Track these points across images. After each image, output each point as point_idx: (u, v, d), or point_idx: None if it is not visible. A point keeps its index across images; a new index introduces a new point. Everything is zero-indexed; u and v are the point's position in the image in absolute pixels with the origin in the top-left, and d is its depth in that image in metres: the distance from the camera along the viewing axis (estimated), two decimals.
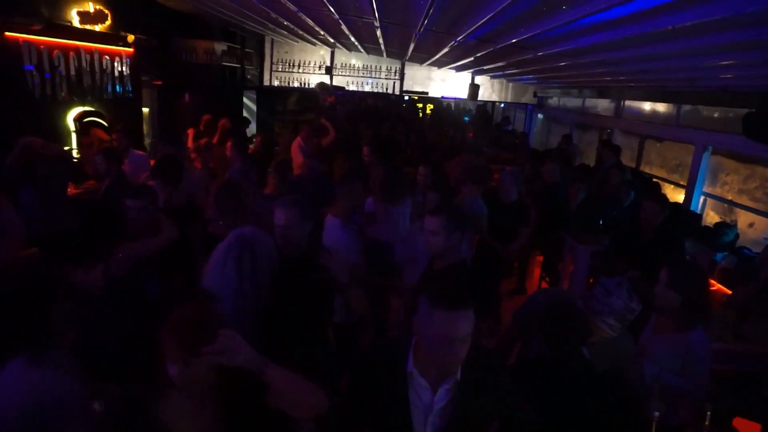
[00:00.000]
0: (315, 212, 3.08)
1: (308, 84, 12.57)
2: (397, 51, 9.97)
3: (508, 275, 6.40)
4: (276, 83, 12.69)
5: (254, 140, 8.61)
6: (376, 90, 12.83)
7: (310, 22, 7.28)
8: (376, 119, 12.50)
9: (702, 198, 6.89)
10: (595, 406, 2.20)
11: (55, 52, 6.29)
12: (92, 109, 7.00)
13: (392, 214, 4.42)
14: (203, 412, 1.64)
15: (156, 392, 1.62)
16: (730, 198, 6.90)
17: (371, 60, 12.49)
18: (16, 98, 5.84)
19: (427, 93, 12.95)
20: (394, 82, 12.76)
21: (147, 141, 8.95)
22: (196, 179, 5.16)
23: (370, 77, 12.70)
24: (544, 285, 6.62)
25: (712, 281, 4.77)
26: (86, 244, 2.68)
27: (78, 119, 6.78)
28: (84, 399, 1.88)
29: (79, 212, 4.57)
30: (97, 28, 7.05)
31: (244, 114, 12.18)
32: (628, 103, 9.30)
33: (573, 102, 12.04)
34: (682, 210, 6.50)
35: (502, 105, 15.67)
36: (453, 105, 17.59)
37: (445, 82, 12.74)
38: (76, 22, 6.77)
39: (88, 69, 6.87)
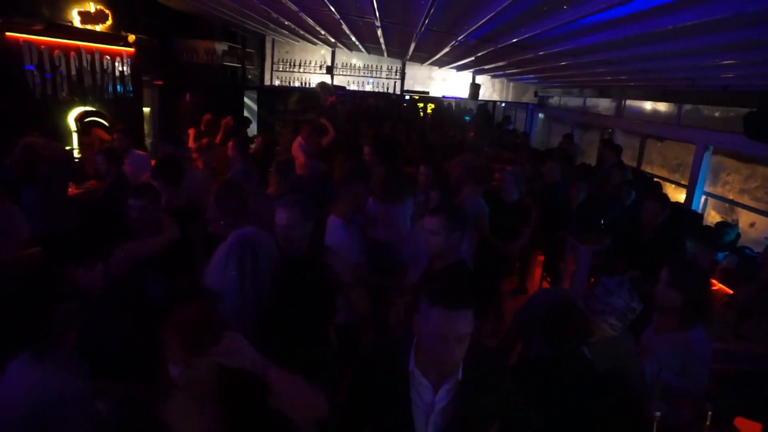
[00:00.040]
0: (316, 212, 3.08)
1: (309, 84, 12.57)
2: (397, 50, 9.98)
3: (509, 275, 6.40)
4: (277, 83, 12.69)
5: (255, 140, 8.61)
6: (377, 90, 12.84)
7: (311, 22, 7.28)
8: (377, 119, 12.50)
9: (703, 198, 6.89)
10: (596, 405, 2.20)
11: (56, 52, 6.30)
12: (93, 109, 7.01)
13: (392, 214, 4.42)
14: (205, 413, 1.64)
15: (159, 392, 1.62)
16: (731, 198, 6.90)
17: (372, 59, 12.49)
18: (17, 98, 5.85)
19: (428, 92, 12.95)
20: (395, 82, 12.76)
21: (148, 141, 8.97)
22: (198, 179, 5.15)
23: (371, 77, 12.71)
24: (546, 284, 6.61)
25: (714, 281, 4.77)
26: (86, 244, 2.68)
27: (79, 119, 6.79)
28: (87, 398, 1.88)
29: (80, 212, 4.58)
30: (98, 28, 7.06)
31: (245, 114, 12.18)
32: (629, 102, 9.30)
33: (574, 101, 12.03)
34: (683, 210, 6.49)
35: (503, 104, 15.67)
36: (454, 104, 17.59)
37: (446, 82, 12.74)
38: (77, 22, 6.78)
39: (89, 69, 6.88)
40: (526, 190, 5.77)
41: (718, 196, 6.97)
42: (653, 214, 4.31)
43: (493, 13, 3.94)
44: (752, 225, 6.54)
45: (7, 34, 5.66)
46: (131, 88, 7.78)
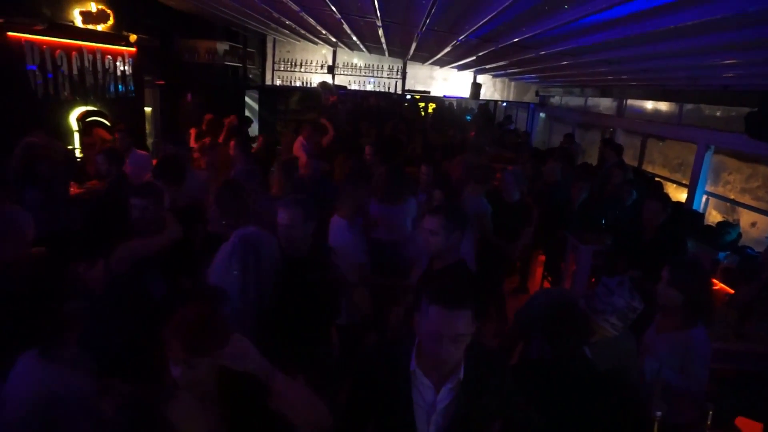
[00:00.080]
0: (317, 212, 3.09)
1: (310, 83, 12.56)
2: (399, 50, 9.97)
3: (510, 274, 6.40)
4: (278, 82, 12.69)
5: (257, 140, 8.62)
6: (378, 89, 12.84)
7: (312, 22, 7.28)
8: (379, 118, 12.50)
9: (704, 197, 6.88)
10: (597, 405, 2.20)
11: (58, 51, 6.31)
12: (95, 108, 7.02)
13: (393, 214, 4.42)
14: (209, 413, 1.65)
15: (164, 392, 1.63)
16: (732, 197, 6.89)
17: (373, 59, 12.49)
18: (19, 98, 5.86)
19: (429, 92, 12.95)
20: (396, 82, 12.76)
21: (149, 141, 8.98)
22: (202, 180, 5.15)
23: (372, 76, 12.71)
24: (547, 284, 6.61)
25: (715, 281, 4.76)
26: (87, 242, 2.69)
27: (80, 119, 6.80)
28: (93, 397, 1.89)
29: (81, 212, 4.59)
30: (100, 27, 7.07)
31: (246, 113, 12.19)
32: (630, 102, 9.29)
33: (575, 101, 12.03)
34: (685, 209, 6.49)
35: (504, 104, 15.65)
36: (455, 104, 17.59)
37: (447, 81, 12.74)
38: (78, 22, 6.79)
39: (90, 69, 6.89)
40: (527, 190, 5.77)
41: (720, 195, 6.96)
42: (654, 213, 4.31)
43: (494, 13, 3.94)
44: (753, 224, 6.54)
45: (9, 34, 5.67)
46: (133, 88, 7.79)
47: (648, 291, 2.81)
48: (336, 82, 12.39)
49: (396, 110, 14.04)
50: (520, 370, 2.39)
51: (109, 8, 7.14)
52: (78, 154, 6.75)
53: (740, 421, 2.83)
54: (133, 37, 7.55)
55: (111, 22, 7.21)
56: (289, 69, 12.56)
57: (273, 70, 12.59)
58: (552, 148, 10.24)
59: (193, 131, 7.75)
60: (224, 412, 1.67)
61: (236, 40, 11.07)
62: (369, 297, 3.48)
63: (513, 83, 12.98)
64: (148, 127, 9.05)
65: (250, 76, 12.42)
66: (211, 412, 1.65)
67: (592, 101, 11.06)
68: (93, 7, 6.95)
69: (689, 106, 7.43)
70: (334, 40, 10.09)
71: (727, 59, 4.10)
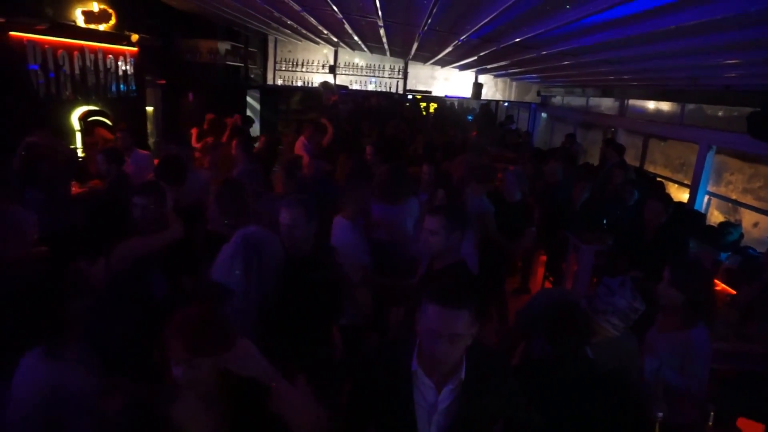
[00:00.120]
0: (320, 212, 3.09)
1: (311, 83, 12.55)
2: (400, 50, 9.97)
3: (511, 274, 6.40)
4: (279, 82, 12.68)
5: (259, 140, 8.62)
6: (379, 89, 12.84)
7: (314, 22, 7.29)
8: (380, 118, 12.50)
9: (706, 197, 6.87)
10: (598, 406, 2.20)
11: (60, 51, 6.32)
12: (96, 108, 7.04)
13: (394, 214, 4.41)
14: (211, 413, 1.65)
15: (167, 392, 1.63)
16: (734, 197, 6.88)
17: (374, 59, 12.49)
18: (21, 98, 5.87)
19: (430, 92, 12.94)
20: (398, 81, 12.75)
21: (151, 140, 8.99)
22: (204, 179, 5.16)
23: (374, 76, 12.70)
24: (548, 284, 6.61)
25: (716, 281, 4.76)
26: (88, 241, 2.70)
27: (82, 118, 6.81)
28: (97, 395, 1.90)
29: (82, 211, 4.60)
30: (101, 27, 7.08)
31: (248, 113, 12.20)
32: (631, 102, 9.28)
33: (577, 101, 12.01)
34: (686, 209, 6.48)
35: (506, 104, 15.64)
36: (456, 104, 17.58)
37: (449, 81, 12.73)
38: (80, 21, 6.80)
39: (92, 68, 6.90)
40: (528, 190, 5.77)
41: (721, 195, 6.95)
42: (656, 213, 4.31)
43: (495, 13, 3.94)
44: (755, 225, 6.53)
45: (11, 33, 5.67)
46: (134, 88, 7.81)
47: (649, 291, 2.81)
48: (337, 82, 12.38)
49: (397, 110, 14.03)
50: (522, 371, 2.39)
51: (110, 8, 7.14)
52: (80, 153, 6.76)
53: (741, 422, 2.83)
54: (134, 37, 7.56)
55: (113, 21, 7.22)
56: (290, 69, 12.55)
57: (274, 69, 12.59)
58: (553, 148, 10.23)
59: (194, 131, 7.75)
60: (225, 411, 1.67)
61: (238, 39, 11.08)
62: (370, 297, 3.47)
63: (514, 83, 12.97)
64: (149, 126, 9.07)
65: (252, 75, 12.42)
66: (212, 412, 1.66)
67: (594, 101, 11.05)
68: (95, 7, 6.96)
69: (691, 106, 7.42)
70: (335, 39, 10.09)
71: (728, 59, 4.09)
